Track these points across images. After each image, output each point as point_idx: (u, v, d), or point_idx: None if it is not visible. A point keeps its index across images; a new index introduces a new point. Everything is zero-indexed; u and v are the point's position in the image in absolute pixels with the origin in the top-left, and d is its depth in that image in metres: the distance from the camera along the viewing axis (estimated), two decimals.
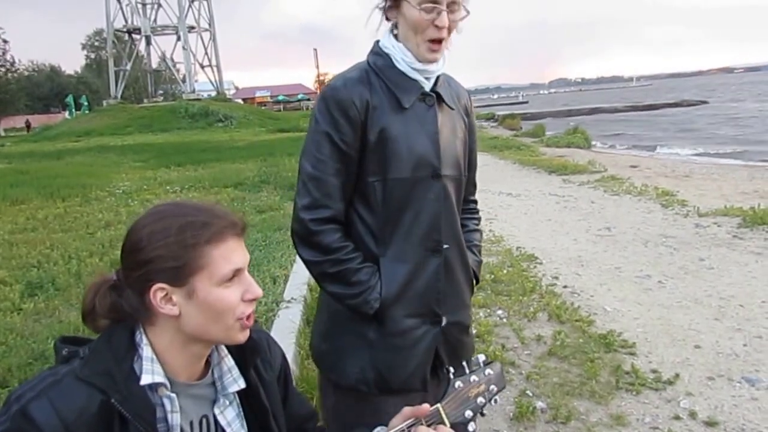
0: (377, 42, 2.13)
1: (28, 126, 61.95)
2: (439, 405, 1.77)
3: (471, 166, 2.35)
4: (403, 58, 2.05)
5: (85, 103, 57.62)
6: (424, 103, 2.09)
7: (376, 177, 2.06)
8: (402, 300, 2.09)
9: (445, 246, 2.14)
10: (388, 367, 2.11)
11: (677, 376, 4.49)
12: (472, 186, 2.45)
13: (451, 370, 1.87)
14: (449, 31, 2.01)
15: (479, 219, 2.53)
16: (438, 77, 2.13)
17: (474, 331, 5.19)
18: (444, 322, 2.17)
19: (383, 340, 2.11)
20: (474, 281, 2.35)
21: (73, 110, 56.22)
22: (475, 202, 2.52)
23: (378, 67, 2.08)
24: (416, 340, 2.13)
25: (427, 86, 2.10)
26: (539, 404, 4.15)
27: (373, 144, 2.04)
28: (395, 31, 2.09)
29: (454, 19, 2.00)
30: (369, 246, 2.11)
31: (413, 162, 2.05)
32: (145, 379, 1.44)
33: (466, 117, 2.29)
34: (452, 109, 2.18)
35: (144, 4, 63.00)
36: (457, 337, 2.23)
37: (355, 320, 2.11)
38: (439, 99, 2.12)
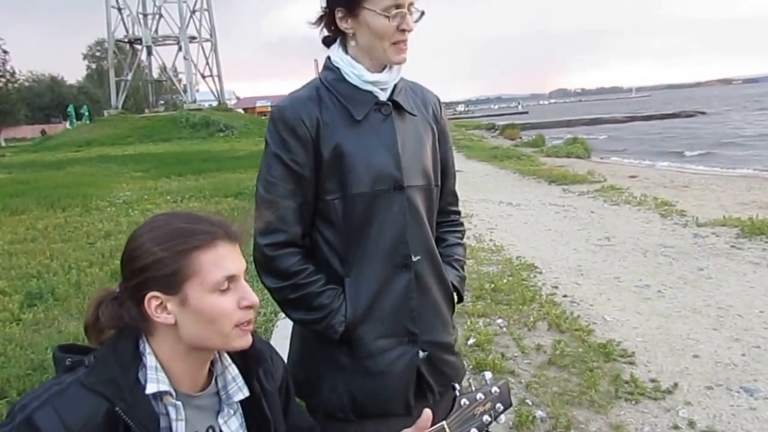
0: (328, 57, 2.06)
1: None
2: (444, 422, 1.77)
3: (446, 175, 2.25)
4: (352, 71, 1.99)
5: (86, 113, 57.54)
6: (380, 113, 2.01)
7: (335, 195, 1.98)
8: (370, 321, 2.00)
9: (415, 259, 2.04)
10: (363, 391, 2.03)
11: (676, 385, 4.49)
12: (451, 196, 2.32)
13: (457, 387, 1.87)
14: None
15: (462, 232, 2.38)
16: (396, 85, 2.06)
17: (473, 340, 5.24)
18: (421, 341, 2.07)
19: (355, 364, 2.02)
20: (456, 297, 2.23)
21: (74, 120, 56.21)
22: (458, 213, 2.38)
23: (329, 82, 2.02)
24: (391, 362, 2.03)
25: (383, 96, 2.03)
26: (539, 413, 4.15)
27: (328, 161, 1.96)
28: (351, 43, 2.01)
29: (414, 20, 1.96)
30: (335, 267, 2.02)
31: (372, 176, 1.97)
32: (151, 388, 1.44)
33: (436, 124, 2.19)
34: (414, 115, 2.10)
35: (145, 15, 63.11)
36: (440, 357, 2.12)
37: (327, 345, 2.03)
38: (398, 107, 2.05)
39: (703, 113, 72.08)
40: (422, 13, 1.97)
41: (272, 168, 1.98)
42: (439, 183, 2.17)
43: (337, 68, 2.02)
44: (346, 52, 2.02)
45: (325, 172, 1.98)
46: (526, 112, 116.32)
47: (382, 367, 2.03)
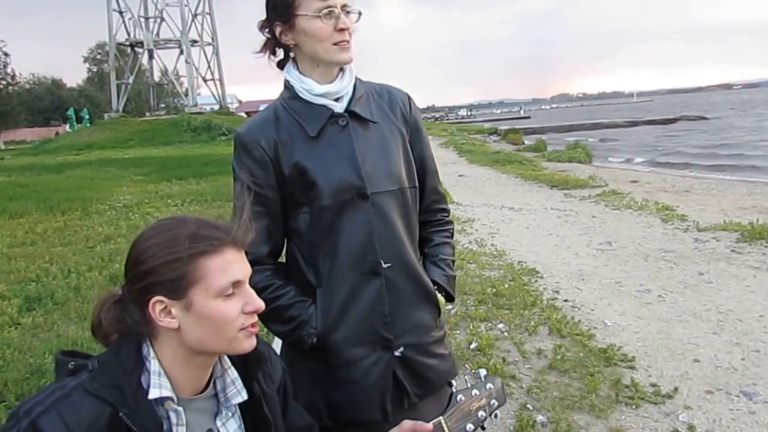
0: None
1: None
2: (441, 418, 1.78)
3: (426, 172, 2.25)
4: (302, 86, 2.03)
5: (87, 116, 57.51)
6: (336, 125, 2.04)
7: (302, 209, 2.03)
8: (342, 329, 2.02)
9: (386, 265, 2.04)
10: (339, 400, 2.06)
11: (676, 389, 4.48)
12: (434, 194, 2.31)
13: (454, 383, 1.88)
14: (350, 33, 2.01)
15: (449, 231, 2.36)
16: (355, 92, 2.09)
17: (474, 345, 5.23)
18: (396, 346, 2.07)
19: (330, 374, 2.05)
20: (443, 297, 2.23)
21: (74, 123, 56.19)
22: (444, 211, 2.36)
23: (285, 101, 2.07)
24: (366, 369, 2.05)
25: (338, 107, 2.05)
26: (539, 418, 4.14)
27: (290, 179, 2.01)
28: (295, 55, 2.07)
29: (351, 21, 1.99)
30: (309, 279, 2.07)
31: (333, 188, 2.00)
32: (153, 393, 1.45)
33: (405, 125, 2.19)
34: (375, 122, 2.10)
35: (147, 18, 63.12)
36: (419, 360, 2.11)
37: (305, 355, 2.06)
38: (356, 116, 2.07)
39: (704, 118, 72.13)
40: (360, 14, 2.02)
41: (241, 194, 2.00)
42: (416, 184, 2.18)
43: (291, 86, 2.06)
44: (298, 68, 2.07)
45: (288, 190, 2.03)
46: (528, 117, 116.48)
47: (357, 375, 2.05)
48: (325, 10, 1.93)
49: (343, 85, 2.06)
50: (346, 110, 2.06)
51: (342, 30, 1.97)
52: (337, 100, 2.06)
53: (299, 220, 2.04)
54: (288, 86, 2.07)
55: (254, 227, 1.96)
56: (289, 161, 2.00)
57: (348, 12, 1.98)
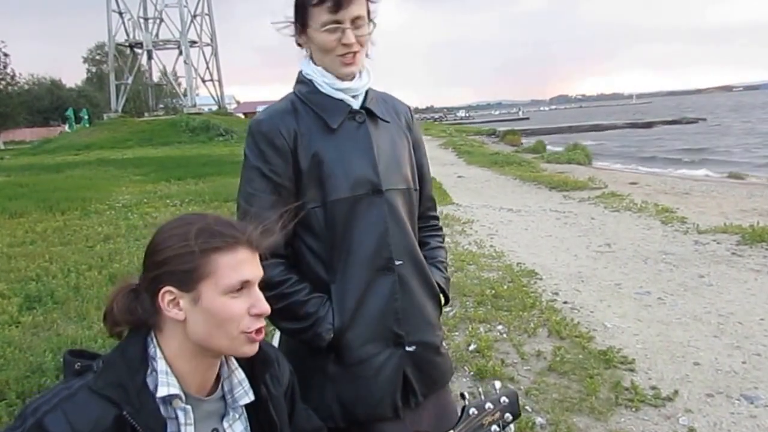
0: (300, 71, 2.13)
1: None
2: None
3: (423, 180, 2.30)
4: (324, 80, 2.06)
5: (86, 117, 57.44)
6: (354, 121, 2.08)
7: (316, 203, 2.03)
8: (356, 326, 2.02)
9: (398, 262, 2.07)
10: (352, 399, 2.05)
11: (676, 392, 4.48)
12: (429, 201, 2.37)
13: (467, 395, 1.86)
14: (360, 45, 2.03)
15: (442, 236, 2.44)
16: (367, 93, 2.13)
17: (473, 346, 5.22)
18: (407, 342, 2.08)
19: (343, 372, 2.04)
20: (443, 299, 2.27)
21: (73, 124, 56.09)
22: (436, 218, 2.43)
23: (303, 94, 2.08)
24: (379, 366, 2.05)
25: (355, 104, 2.09)
26: (539, 420, 4.14)
27: (307, 170, 2.02)
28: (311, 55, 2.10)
29: (361, 34, 2.01)
30: (320, 275, 2.06)
31: (351, 182, 2.02)
32: (162, 392, 1.46)
33: (408, 132, 2.25)
34: (388, 122, 2.17)
35: (146, 19, 63.09)
36: (426, 358, 2.14)
37: (313, 355, 2.05)
38: (371, 114, 2.11)
39: (703, 120, 72.19)
40: (374, 25, 2.06)
41: (253, 180, 2.03)
42: (418, 187, 2.23)
43: (310, 80, 2.09)
44: (315, 63, 2.09)
45: (304, 182, 2.03)
46: (527, 118, 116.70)
47: (370, 372, 2.05)
48: (331, 26, 1.96)
49: (362, 84, 2.10)
50: (362, 107, 2.10)
51: (346, 45, 1.99)
52: (353, 97, 2.09)
53: (310, 214, 2.03)
54: (305, 81, 2.10)
55: (269, 216, 1.98)
56: (308, 152, 2.02)
57: (359, 25, 2.00)
